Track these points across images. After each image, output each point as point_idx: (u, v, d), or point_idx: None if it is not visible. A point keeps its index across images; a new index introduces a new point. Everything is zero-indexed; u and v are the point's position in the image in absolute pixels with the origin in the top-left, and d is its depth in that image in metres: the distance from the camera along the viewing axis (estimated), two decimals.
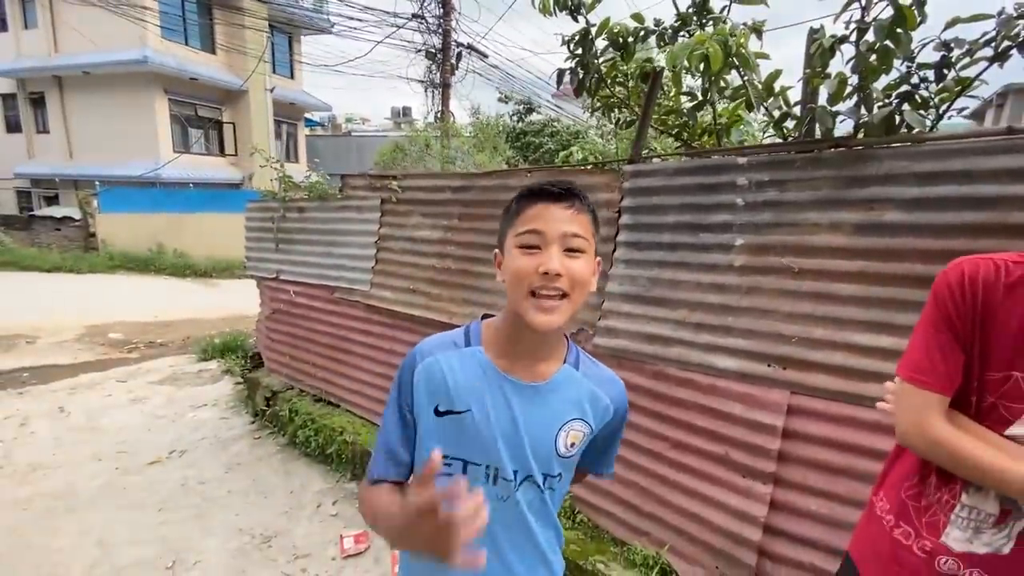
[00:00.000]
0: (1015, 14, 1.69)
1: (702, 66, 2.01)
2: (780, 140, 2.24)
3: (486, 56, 12.35)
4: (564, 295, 0.87)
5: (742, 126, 2.71)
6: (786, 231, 1.92)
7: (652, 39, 2.46)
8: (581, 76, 2.58)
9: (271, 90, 16.84)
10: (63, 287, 9.98)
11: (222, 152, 17.05)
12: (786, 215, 1.92)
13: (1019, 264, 0.92)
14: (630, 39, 2.43)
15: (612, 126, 3.84)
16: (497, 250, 0.96)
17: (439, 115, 11.52)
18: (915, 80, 1.91)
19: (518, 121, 11.57)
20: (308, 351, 3.95)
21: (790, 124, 2.17)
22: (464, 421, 0.94)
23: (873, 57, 1.78)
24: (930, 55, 1.85)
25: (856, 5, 1.80)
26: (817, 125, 1.88)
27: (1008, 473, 0.88)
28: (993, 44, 1.76)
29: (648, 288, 2.27)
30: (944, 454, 0.95)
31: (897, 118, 1.81)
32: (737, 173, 2.03)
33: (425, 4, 11.11)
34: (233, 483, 3.38)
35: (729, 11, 2.30)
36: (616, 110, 2.96)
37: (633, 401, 2.31)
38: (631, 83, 2.75)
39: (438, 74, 11.65)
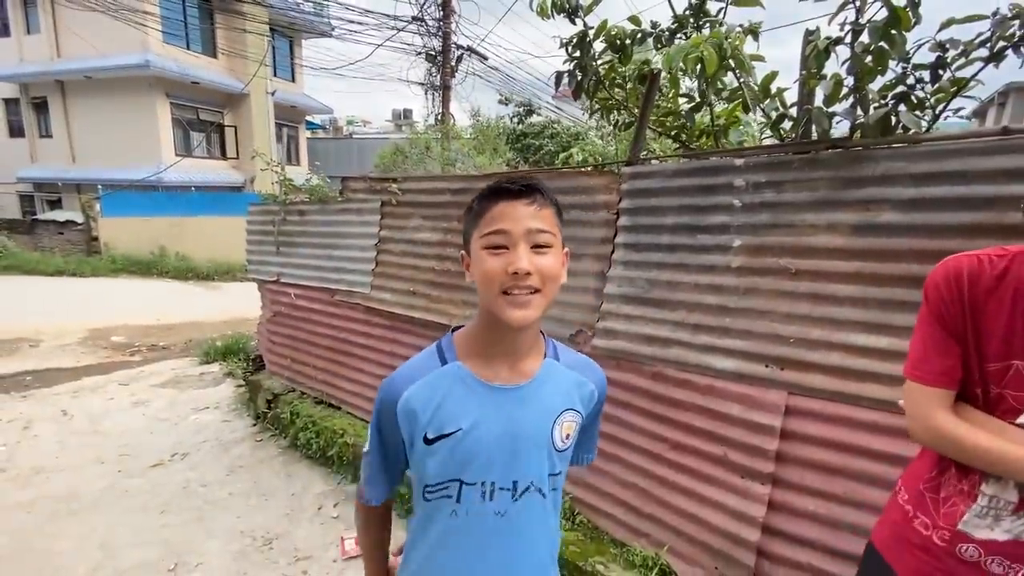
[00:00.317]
0: (1010, 14, 1.69)
1: (698, 68, 2.02)
2: (777, 141, 2.24)
3: (486, 58, 12.40)
4: (536, 291, 0.86)
5: (741, 127, 2.71)
6: (783, 232, 1.93)
7: (649, 41, 2.47)
8: (579, 78, 2.59)
9: (272, 93, 16.90)
10: (66, 290, 10.01)
11: (224, 155, 17.12)
12: (783, 216, 1.93)
13: (1002, 257, 0.95)
14: (627, 41, 2.44)
15: (612, 127, 3.85)
16: (463, 251, 0.96)
17: (439, 117, 11.54)
18: (911, 81, 1.92)
19: (518, 123, 11.56)
20: (309, 353, 3.96)
21: (787, 125, 2.18)
22: (455, 441, 0.92)
23: (869, 58, 1.79)
24: (926, 56, 1.86)
25: (851, 7, 1.80)
26: (813, 126, 1.88)
27: (1010, 456, 0.91)
28: (988, 44, 1.77)
29: (647, 289, 2.27)
30: (949, 445, 0.99)
31: (893, 119, 1.80)
32: (734, 174, 2.04)
33: (425, 7, 11.16)
34: (235, 485, 3.39)
35: (725, 13, 2.31)
36: (615, 112, 2.96)
37: (632, 402, 2.34)
38: (629, 85, 2.76)
39: (438, 76, 11.68)
